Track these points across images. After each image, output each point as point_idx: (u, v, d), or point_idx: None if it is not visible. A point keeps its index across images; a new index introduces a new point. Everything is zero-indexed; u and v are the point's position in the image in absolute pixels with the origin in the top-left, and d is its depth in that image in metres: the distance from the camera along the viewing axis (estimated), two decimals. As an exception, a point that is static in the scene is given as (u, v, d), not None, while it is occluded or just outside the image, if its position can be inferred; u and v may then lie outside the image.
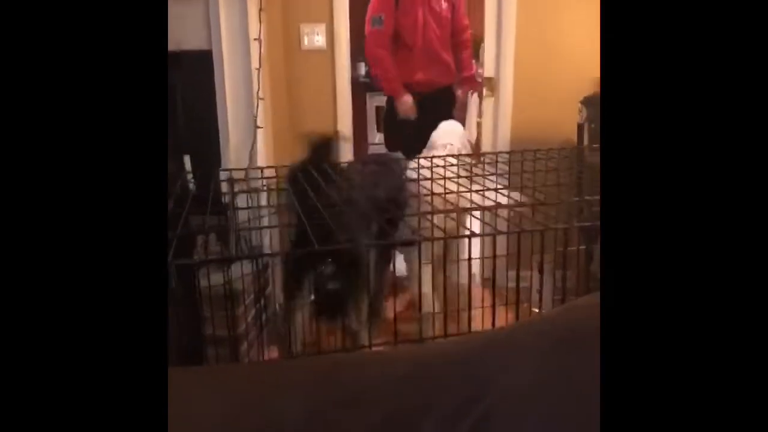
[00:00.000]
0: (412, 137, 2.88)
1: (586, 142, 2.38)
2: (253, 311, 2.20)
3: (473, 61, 3.20)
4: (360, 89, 5.07)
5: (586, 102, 2.40)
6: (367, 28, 2.95)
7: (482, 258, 2.84)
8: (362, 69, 5.48)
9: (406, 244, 1.44)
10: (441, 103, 3.04)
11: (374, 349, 1.33)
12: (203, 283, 1.50)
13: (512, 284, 1.38)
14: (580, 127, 2.40)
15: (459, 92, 3.11)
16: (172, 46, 2.14)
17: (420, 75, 2.98)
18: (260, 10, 2.27)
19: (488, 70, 2.86)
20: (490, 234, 1.31)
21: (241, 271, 1.97)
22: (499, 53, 2.78)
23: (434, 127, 3.00)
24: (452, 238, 1.24)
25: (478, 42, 3.42)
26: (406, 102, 2.96)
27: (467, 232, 1.37)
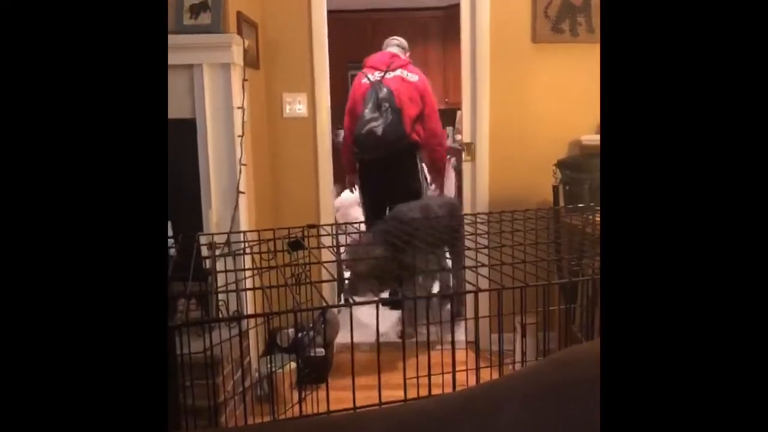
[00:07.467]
0: (376, 198, 3.41)
1: (561, 203, 2.44)
2: (232, 381, 2.15)
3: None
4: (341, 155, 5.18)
5: (561, 165, 2.47)
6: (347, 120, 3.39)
7: (465, 319, 2.83)
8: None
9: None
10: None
11: (358, 410, 1.31)
12: (183, 350, 1.47)
13: (496, 347, 1.37)
14: (555, 188, 2.47)
15: (426, 158, 3.39)
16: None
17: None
18: (244, 80, 2.34)
19: (466, 135, 2.96)
20: (471, 291, 1.32)
21: (220, 336, 1.93)
22: (475, 119, 2.88)
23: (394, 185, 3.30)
24: (432, 296, 1.25)
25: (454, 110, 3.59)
26: (351, 178, 3.67)
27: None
